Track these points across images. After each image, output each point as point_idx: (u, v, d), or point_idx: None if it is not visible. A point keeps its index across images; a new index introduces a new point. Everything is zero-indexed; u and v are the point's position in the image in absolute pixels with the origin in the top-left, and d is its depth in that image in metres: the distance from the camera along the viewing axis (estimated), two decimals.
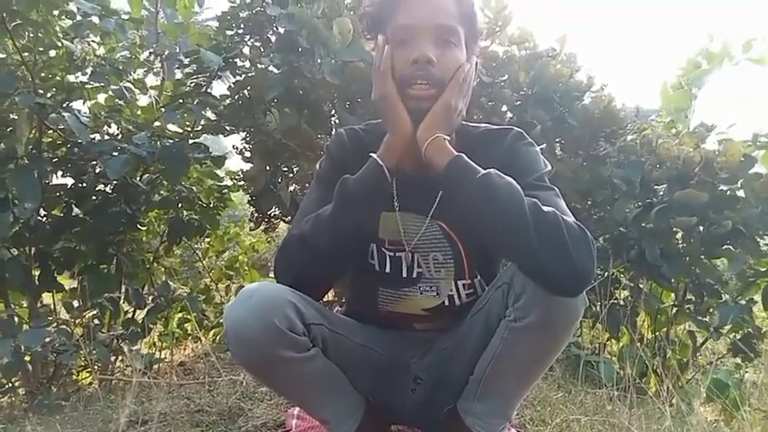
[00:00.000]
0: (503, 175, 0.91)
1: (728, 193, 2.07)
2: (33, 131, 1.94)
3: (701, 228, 2.06)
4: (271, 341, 0.90)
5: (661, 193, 2.15)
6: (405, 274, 1.08)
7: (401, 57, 0.98)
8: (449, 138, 0.98)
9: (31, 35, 1.85)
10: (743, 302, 2.12)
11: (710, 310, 2.19)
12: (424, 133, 0.97)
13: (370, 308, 1.12)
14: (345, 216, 0.96)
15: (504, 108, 2.23)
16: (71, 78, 1.98)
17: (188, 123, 2.16)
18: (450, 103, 0.97)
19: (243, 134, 2.30)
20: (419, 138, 0.97)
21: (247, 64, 2.09)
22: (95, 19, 1.86)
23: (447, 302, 1.09)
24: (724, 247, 2.08)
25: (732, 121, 2.23)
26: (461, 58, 1.00)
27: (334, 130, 2.09)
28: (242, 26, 2.09)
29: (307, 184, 2.10)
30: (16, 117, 1.84)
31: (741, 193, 2.06)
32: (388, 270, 1.09)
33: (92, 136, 1.96)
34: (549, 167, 1.06)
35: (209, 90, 2.05)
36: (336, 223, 0.96)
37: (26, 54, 1.82)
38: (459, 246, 1.07)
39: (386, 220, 1.08)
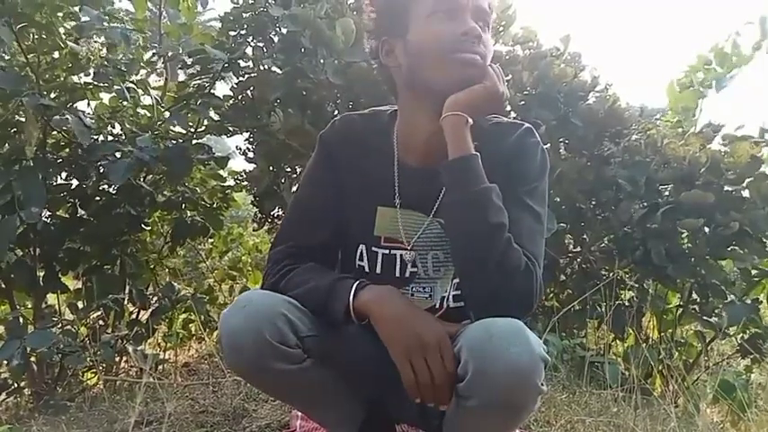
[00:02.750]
0: (499, 193, 0.92)
1: (734, 193, 2.05)
2: (37, 132, 1.94)
3: (707, 229, 2.04)
4: (262, 353, 0.88)
5: (666, 193, 2.14)
6: (398, 274, 1.04)
7: (447, 28, 0.95)
8: (471, 123, 0.94)
9: (36, 37, 1.85)
10: (748, 302, 2.11)
11: (716, 310, 2.18)
12: (450, 106, 0.94)
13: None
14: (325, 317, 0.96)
15: (508, 108, 2.22)
16: (74, 79, 1.99)
17: (191, 124, 2.16)
18: (495, 90, 0.94)
19: (246, 135, 2.30)
20: (445, 109, 0.94)
21: (250, 64, 2.09)
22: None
23: (438, 305, 1.06)
24: (730, 248, 2.07)
25: (741, 120, 2.21)
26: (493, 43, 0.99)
27: None
28: (245, 27, 2.09)
29: None
30: (23, 119, 1.85)
31: (746, 194, 2.05)
32: (378, 271, 1.05)
33: (95, 137, 1.97)
34: (548, 170, 1.04)
35: (212, 91, 2.05)
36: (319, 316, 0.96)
37: (30, 55, 1.83)
38: None
39: (383, 215, 1.04)
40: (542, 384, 0.83)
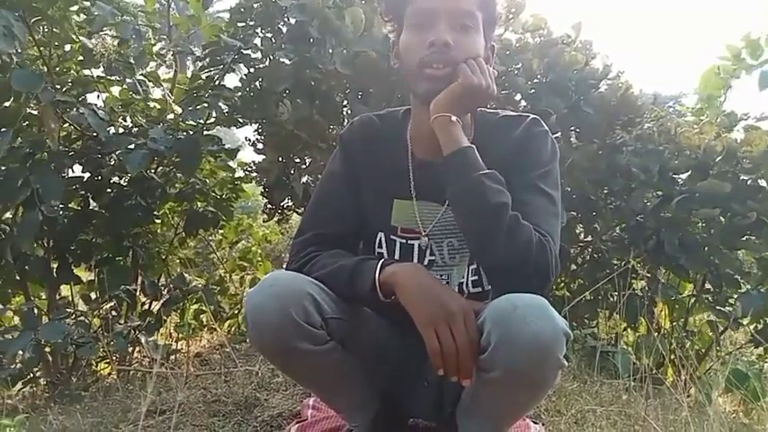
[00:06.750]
0: (498, 177, 0.94)
1: (750, 182, 2.02)
2: (57, 126, 1.95)
3: (722, 218, 2.02)
4: (287, 332, 0.90)
5: (680, 182, 2.11)
6: (416, 262, 1.07)
7: (418, 40, 0.99)
8: (460, 122, 0.98)
9: (47, 30, 1.86)
10: (763, 291, 2.08)
11: (729, 300, 2.15)
12: (434, 109, 0.98)
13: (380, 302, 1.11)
14: (351, 299, 0.99)
15: (518, 97, 2.20)
16: (86, 72, 1.99)
17: (201, 116, 2.17)
18: (470, 84, 0.96)
19: (255, 126, 2.30)
20: (430, 113, 0.99)
21: (259, 55, 2.09)
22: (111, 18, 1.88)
23: (456, 291, 1.08)
24: (745, 238, 2.04)
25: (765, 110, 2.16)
26: (479, 42, 1.00)
27: (346, 120, 2.08)
28: (253, 17, 2.08)
29: (319, 175, 2.12)
30: (36, 113, 1.87)
31: (763, 183, 2.01)
32: (397, 258, 1.08)
33: (108, 129, 1.98)
34: (558, 156, 1.06)
35: (222, 83, 2.05)
36: (343, 295, 0.99)
37: (42, 48, 1.84)
38: None
39: (400, 208, 1.08)
40: (563, 359, 0.85)
